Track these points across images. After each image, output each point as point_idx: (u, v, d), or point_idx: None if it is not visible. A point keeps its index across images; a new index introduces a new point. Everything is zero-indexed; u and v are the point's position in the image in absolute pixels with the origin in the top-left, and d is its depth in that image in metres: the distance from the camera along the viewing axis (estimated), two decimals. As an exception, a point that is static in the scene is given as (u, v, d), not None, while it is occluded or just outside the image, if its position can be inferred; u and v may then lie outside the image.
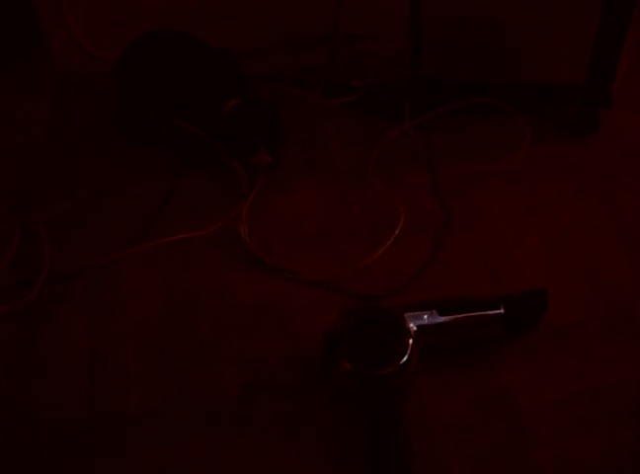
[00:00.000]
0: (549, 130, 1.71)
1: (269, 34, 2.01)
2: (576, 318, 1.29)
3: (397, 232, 1.44)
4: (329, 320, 1.17)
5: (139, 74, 1.69)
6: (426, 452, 1.10)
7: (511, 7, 1.58)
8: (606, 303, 1.32)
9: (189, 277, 1.39)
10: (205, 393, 1.19)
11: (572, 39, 1.60)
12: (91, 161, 1.68)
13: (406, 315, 1.17)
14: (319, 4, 1.81)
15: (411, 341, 1.13)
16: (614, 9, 1.50)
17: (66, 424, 1.16)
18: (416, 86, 1.75)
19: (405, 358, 1.11)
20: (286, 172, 1.63)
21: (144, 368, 1.24)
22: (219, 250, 1.45)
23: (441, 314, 1.19)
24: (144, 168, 1.66)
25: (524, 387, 1.18)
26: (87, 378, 1.22)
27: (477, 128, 1.72)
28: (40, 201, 1.57)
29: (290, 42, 1.97)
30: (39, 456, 1.12)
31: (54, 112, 1.86)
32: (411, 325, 1.16)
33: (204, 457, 1.11)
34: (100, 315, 1.33)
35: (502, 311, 1.21)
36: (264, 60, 1.95)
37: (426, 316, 1.19)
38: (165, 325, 1.31)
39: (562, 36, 1.60)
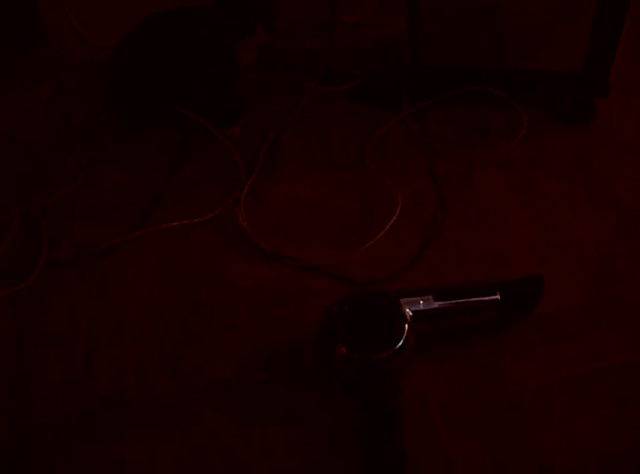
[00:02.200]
0: (546, 119, 1.72)
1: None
2: (572, 304, 1.30)
3: (394, 219, 1.45)
4: (325, 305, 1.18)
5: (130, 56, 1.70)
6: (422, 437, 1.11)
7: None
8: (603, 289, 1.33)
9: (186, 263, 1.40)
10: (202, 376, 1.20)
11: (570, 27, 1.61)
12: (89, 147, 1.68)
13: (402, 300, 1.18)
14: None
15: (407, 326, 1.14)
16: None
17: (64, 408, 1.17)
18: (413, 74, 1.76)
19: (401, 343, 1.12)
20: (284, 158, 1.64)
21: (141, 353, 1.24)
22: (217, 235, 1.45)
23: (437, 300, 1.20)
24: (143, 153, 1.66)
25: (522, 371, 1.20)
26: (85, 363, 1.23)
27: (474, 116, 1.73)
28: (39, 188, 1.57)
29: (288, 29, 1.97)
30: (37, 442, 1.13)
31: (53, 99, 1.86)
32: (407, 310, 1.17)
33: (202, 441, 1.12)
34: (98, 300, 1.34)
35: (498, 297, 1.23)
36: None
37: (421, 302, 1.20)
38: (162, 310, 1.31)
39: (560, 23, 1.61)
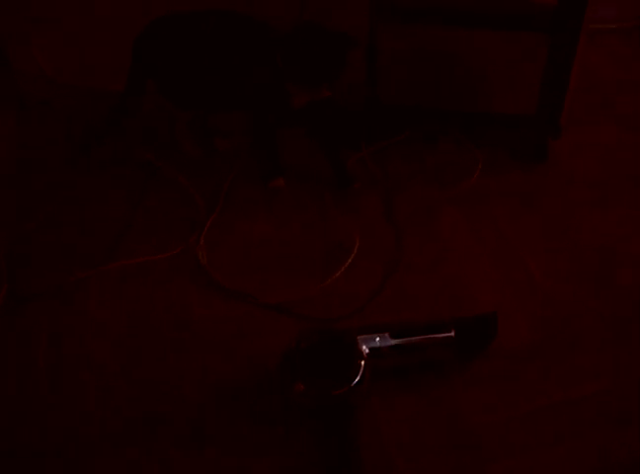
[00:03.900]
0: (501, 159, 1.77)
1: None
2: (527, 340, 1.34)
3: (352, 257, 1.48)
4: (284, 342, 1.20)
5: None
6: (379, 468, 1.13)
7: (467, 42, 1.65)
8: (556, 324, 1.37)
9: (148, 300, 1.41)
10: (162, 415, 1.21)
11: (524, 73, 1.68)
12: (53, 183, 1.69)
13: (359, 338, 1.20)
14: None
15: (363, 362, 1.16)
16: (559, 48, 1.58)
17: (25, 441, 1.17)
18: (372, 114, 1.80)
19: (357, 379, 1.14)
20: (244, 197, 1.66)
21: (104, 388, 1.25)
22: (178, 273, 1.47)
23: (393, 337, 1.23)
24: (106, 191, 1.67)
25: (477, 407, 1.22)
26: (47, 394, 1.24)
27: (432, 156, 1.77)
28: (2, 222, 1.58)
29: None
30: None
31: (17, 133, 1.87)
32: (363, 347, 1.19)
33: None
34: (61, 336, 1.34)
35: (453, 334, 1.26)
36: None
37: (378, 339, 1.22)
38: (124, 347, 1.32)
39: (515, 69, 1.68)
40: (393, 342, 1.23)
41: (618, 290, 1.44)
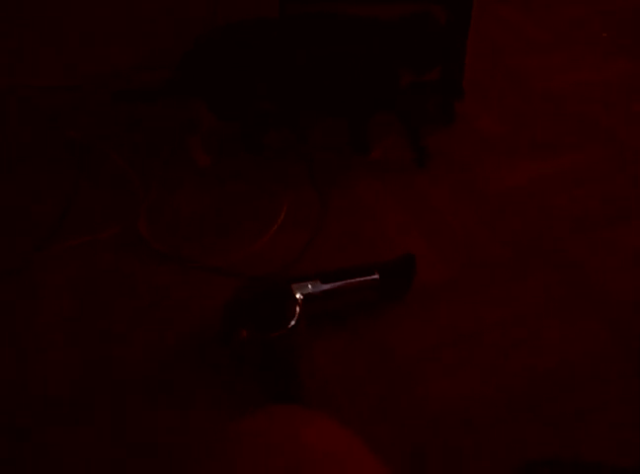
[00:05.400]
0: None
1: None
2: (443, 277, 1.50)
3: (281, 219, 1.62)
4: (226, 298, 1.31)
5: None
6: (320, 402, 1.25)
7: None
8: (469, 262, 1.54)
9: (94, 277, 1.50)
10: (121, 377, 1.31)
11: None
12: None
13: (293, 285, 1.33)
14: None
15: (298, 307, 1.29)
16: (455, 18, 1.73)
17: None
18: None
19: (293, 323, 1.27)
20: (176, 175, 1.76)
21: (63, 360, 1.34)
22: (123, 248, 1.56)
23: (324, 282, 1.36)
24: (44, 178, 1.75)
25: (404, 339, 1.37)
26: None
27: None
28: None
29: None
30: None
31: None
32: (298, 294, 1.32)
33: (126, 425, 1.23)
34: (11, 316, 1.42)
35: (377, 276, 1.40)
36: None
37: (310, 285, 1.35)
38: (76, 325, 1.40)
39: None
40: (324, 287, 1.36)
41: (515, 229, 1.63)
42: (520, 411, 1.25)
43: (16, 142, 1.86)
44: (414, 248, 1.53)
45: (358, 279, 1.40)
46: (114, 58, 2.07)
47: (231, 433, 0.64)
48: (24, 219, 1.64)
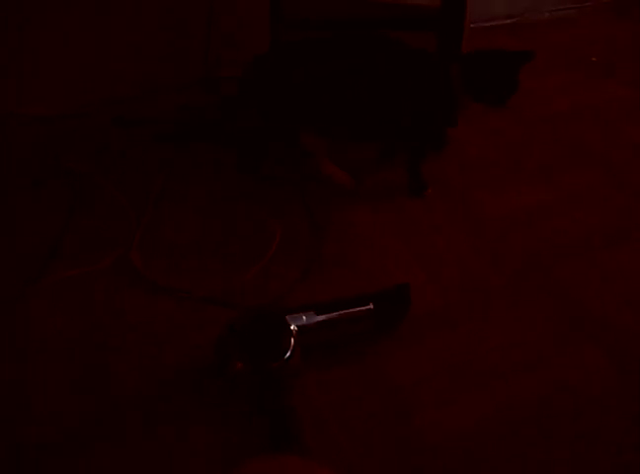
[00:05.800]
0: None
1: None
2: (439, 305, 1.50)
3: (274, 248, 1.61)
4: (220, 328, 1.30)
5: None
6: (317, 433, 1.24)
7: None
8: (464, 289, 1.54)
9: (88, 310, 1.48)
10: (112, 410, 1.29)
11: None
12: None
13: (287, 317, 1.32)
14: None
15: (293, 339, 1.28)
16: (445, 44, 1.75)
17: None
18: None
19: (288, 354, 1.26)
20: (169, 203, 1.76)
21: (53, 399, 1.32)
22: (115, 279, 1.55)
23: (318, 314, 1.36)
24: (34, 209, 1.74)
25: (401, 368, 1.36)
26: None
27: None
28: None
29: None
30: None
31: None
32: (292, 325, 1.31)
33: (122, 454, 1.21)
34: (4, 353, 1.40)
35: (371, 307, 1.39)
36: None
37: (304, 317, 1.34)
38: (69, 354, 1.39)
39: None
40: (319, 318, 1.35)
41: (510, 254, 1.63)
42: (519, 437, 1.24)
43: (11, 172, 1.85)
44: (408, 276, 1.53)
45: (352, 310, 1.39)
46: (113, 86, 2.09)
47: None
48: (13, 252, 1.62)
